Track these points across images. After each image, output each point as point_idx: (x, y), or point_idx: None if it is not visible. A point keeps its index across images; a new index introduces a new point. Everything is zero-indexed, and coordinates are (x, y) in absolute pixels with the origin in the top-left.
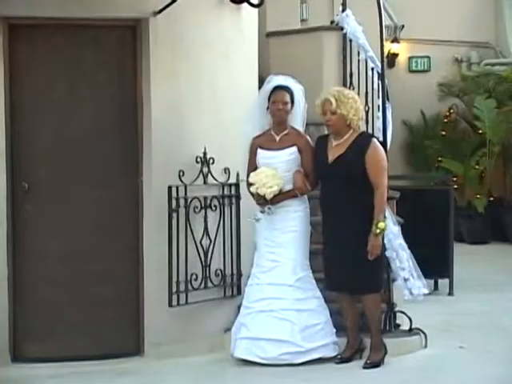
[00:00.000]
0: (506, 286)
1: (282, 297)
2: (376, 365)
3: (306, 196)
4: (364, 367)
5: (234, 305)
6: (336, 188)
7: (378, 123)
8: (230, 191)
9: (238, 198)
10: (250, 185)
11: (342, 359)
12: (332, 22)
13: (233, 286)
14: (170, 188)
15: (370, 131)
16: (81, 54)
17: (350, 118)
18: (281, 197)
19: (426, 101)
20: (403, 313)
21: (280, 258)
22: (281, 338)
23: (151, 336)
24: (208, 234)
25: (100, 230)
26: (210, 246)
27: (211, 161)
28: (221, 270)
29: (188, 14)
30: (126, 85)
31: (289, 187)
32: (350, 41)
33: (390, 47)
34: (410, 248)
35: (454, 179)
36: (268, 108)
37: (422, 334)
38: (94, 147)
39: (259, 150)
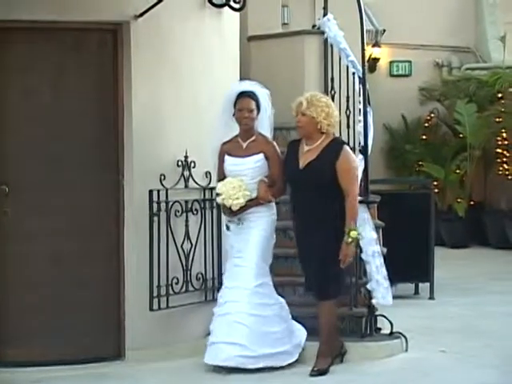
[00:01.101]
0: (486, 289)
1: (239, 300)
2: (323, 372)
3: (273, 203)
4: (311, 375)
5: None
6: (306, 194)
7: (359, 127)
8: (211, 195)
9: None
10: (217, 195)
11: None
12: (314, 27)
13: (214, 289)
14: (150, 192)
15: (351, 135)
16: (61, 57)
17: (319, 121)
18: (246, 206)
19: (407, 105)
20: (384, 316)
21: (243, 263)
22: (235, 341)
23: (132, 340)
24: (189, 238)
25: (81, 234)
26: (191, 249)
27: (192, 164)
28: (202, 274)
29: (169, 18)
30: (107, 88)
31: (255, 194)
32: (332, 45)
33: (371, 52)
34: (390, 252)
35: (435, 183)
36: (234, 114)
37: (402, 338)
38: (75, 150)
39: (226, 157)
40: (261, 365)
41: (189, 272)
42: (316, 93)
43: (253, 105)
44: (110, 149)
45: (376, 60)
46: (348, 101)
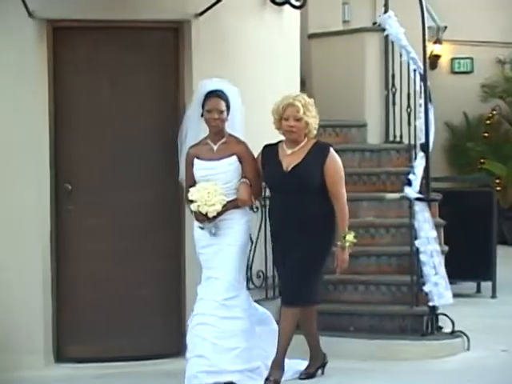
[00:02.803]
0: None
1: (205, 313)
2: (311, 375)
3: (247, 208)
4: (300, 378)
5: (276, 306)
6: (291, 199)
7: (420, 124)
8: None
9: None
10: (190, 201)
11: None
12: (374, 24)
13: (274, 287)
14: None
15: (412, 133)
16: (123, 56)
17: (311, 128)
18: (223, 210)
19: (468, 102)
20: (445, 315)
21: (217, 274)
22: (200, 354)
23: None
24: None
25: (142, 232)
26: (251, 247)
27: None
28: (262, 272)
29: (230, 16)
30: (168, 86)
31: (231, 198)
32: (392, 42)
33: (432, 48)
34: (452, 250)
35: (497, 181)
36: (202, 115)
37: (464, 337)
38: (136, 148)
39: (196, 161)
40: (222, 380)
41: (249, 270)
42: (303, 94)
43: (223, 105)
44: (170, 146)
45: (437, 57)
46: (409, 98)
